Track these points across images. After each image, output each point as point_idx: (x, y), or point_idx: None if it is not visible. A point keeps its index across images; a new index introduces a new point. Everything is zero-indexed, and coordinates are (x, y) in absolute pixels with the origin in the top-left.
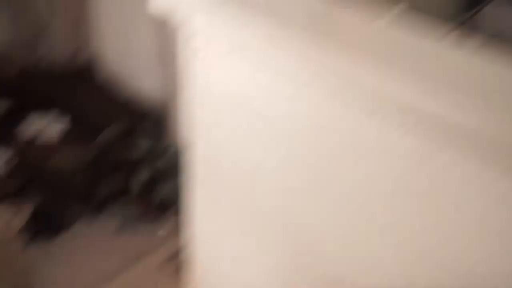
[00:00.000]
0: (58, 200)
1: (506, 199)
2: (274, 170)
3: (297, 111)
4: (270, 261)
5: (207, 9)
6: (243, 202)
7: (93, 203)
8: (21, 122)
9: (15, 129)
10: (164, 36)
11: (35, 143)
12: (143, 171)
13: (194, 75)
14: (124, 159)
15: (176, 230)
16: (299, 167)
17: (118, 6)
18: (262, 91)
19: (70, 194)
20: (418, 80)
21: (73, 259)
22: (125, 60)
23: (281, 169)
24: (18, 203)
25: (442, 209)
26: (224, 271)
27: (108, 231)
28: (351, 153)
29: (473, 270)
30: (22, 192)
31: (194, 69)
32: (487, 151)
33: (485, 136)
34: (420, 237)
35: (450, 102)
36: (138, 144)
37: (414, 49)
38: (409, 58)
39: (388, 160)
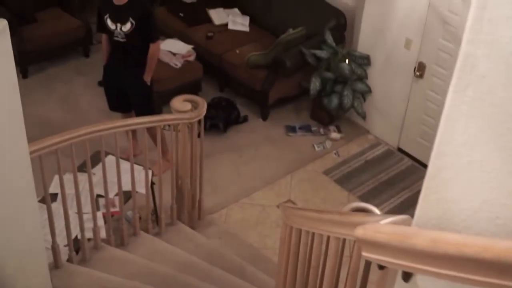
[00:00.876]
0: (233, 95)
1: None
2: None
3: None
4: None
5: None
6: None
7: (267, 102)
8: (204, 15)
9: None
10: None
11: (213, 38)
12: (319, 77)
13: None
14: (303, 62)
15: (343, 140)
16: None
17: None
18: None
19: (246, 91)
20: None
21: (238, 153)
22: None
23: None
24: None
25: None
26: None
27: (277, 132)
28: None
29: None
30: (199, 84)
31: None
32: None
33: None
34: None
35: None
36: (321, 48)
37: None
38: None
39: None
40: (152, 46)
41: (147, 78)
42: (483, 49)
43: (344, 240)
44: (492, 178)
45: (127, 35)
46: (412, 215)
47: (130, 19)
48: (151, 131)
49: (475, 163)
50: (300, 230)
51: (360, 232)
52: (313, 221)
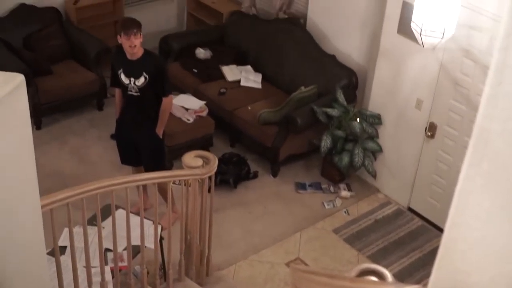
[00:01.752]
0: (243, 151)
1: None
2: None
3: None
4: None
5: None
6: None
7: (277, 159)
8: (218, 71)
9: (213, 75)
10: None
11: (226, 94)
12: (330, 135)
13: None
14: (314, 119)
15: (353, 199)
16: None
17: None
18: None
19: (257, 147)
20: None
21: (247, 209)
22: (331, 18)
23: None
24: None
25: None
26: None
27: (287, 189)
28: None
29: None
30: (210, 140)
31: None
32: None
33: None
34: None
35: None
36: (333, 106)
37: None
38: None
39: None
40: (164, 100)
41: (159, 131)
42: (497, 124)
43: None
44: (505, 253)
45: (141, 89)
46: (422, 277)
47: (144, 73)
48: (161, 186)
49: (488, 237)
50: None
51: None
52: (323, 286)
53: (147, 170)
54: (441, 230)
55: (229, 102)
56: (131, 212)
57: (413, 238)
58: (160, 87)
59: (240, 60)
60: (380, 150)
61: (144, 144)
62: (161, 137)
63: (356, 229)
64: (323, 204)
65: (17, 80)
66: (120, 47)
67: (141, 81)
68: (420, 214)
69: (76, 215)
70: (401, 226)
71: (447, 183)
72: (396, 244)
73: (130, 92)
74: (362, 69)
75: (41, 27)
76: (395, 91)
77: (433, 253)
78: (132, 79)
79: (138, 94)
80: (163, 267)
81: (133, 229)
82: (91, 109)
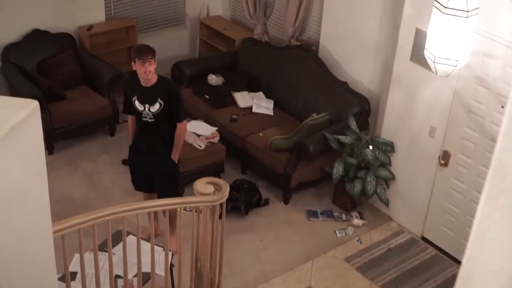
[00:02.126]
0: (255, 178)
1: None
2: None
3: None
4: None
5: None
6: None
7: (289, 186)
8: (229, 97)
9: (225, 101)
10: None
11: (238, 120)
12: (342, 162)
13: None
14: (326, 146)
15: (366, 228)
16: None
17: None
18: None
19: (268, 174)
20: None
21: (258, 236)
22: (343, 45)
23: None
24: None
25: None
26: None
27: (299, 216)
28: None
29: None
30: (222, 167)
31: None
32: None
33: None
34: None
35: None
36: (345, 133)
37: None
38: None
39: None
40: (179, 126)
41: (175, 157)
42: None
43: None
44: None
45: (155, 115)
46: None
47: (159, 99)
48: (171, 211)
49: (505, 270)
50: None
51: None
52: None
53: (161, 196)
54: (454, 259)
55: (241, 128)
56: (142, 239)
57: (427, 268)
58: (175, 113)
59: (252, 87)
60: (393, 178)
61: (159, 170)
62: (176, 162)
63: (369, 258)
64: (335, 232)
65: (32, 106)
66: (133, 74)
67: (156, 107)
68: (433, 244)
69: (86, 241)
70: (415, 255)
71: (461, 211)
72: (409, 273)
73: (144, 119)
74: (374, 96)
75: (55, 53)
76: (408, 118)
77: (446, 283)
78: (147, 106)
79: (153, 120)
80: None
81: (144, 256)
82: (103, 134)
